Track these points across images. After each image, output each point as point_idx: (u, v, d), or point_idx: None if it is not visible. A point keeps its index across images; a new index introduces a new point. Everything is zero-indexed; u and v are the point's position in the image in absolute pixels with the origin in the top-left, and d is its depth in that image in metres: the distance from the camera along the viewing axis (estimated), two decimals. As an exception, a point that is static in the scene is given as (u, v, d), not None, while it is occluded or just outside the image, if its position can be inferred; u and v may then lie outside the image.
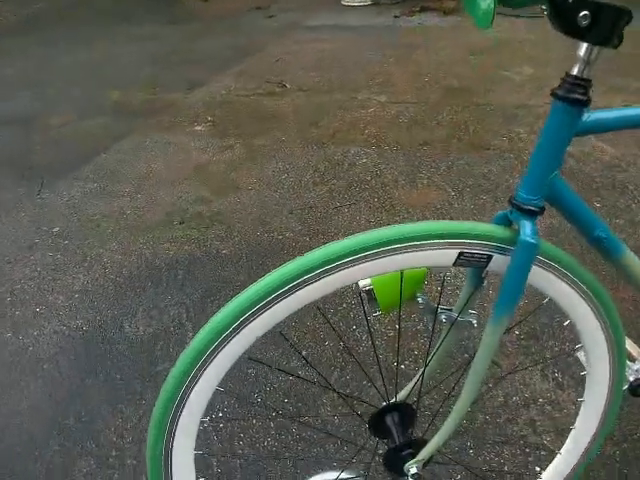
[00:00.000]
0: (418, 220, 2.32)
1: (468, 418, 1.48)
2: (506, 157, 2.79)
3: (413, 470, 0.91)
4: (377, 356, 1.03)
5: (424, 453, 0.91)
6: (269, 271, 0.76)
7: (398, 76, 4.00)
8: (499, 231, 0.80)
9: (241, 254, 2.23)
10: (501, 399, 1.55)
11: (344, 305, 1.86)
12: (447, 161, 2.79)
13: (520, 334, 1.74)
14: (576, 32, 0.69)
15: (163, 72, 4.54)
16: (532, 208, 0.78)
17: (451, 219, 2.33)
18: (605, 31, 0.69)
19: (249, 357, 1.20)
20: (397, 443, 0.92)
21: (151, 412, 0.80)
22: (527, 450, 1.41)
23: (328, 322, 1.69)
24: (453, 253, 0.79)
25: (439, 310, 0.92)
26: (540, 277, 0.84)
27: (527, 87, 3.63)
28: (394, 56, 4.42)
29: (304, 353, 1.71)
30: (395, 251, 0.77)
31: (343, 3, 6.14)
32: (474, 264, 0.81)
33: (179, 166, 3.00)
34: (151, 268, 2.18)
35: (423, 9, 5.58)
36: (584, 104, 0.74)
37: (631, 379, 1.12)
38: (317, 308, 0.87)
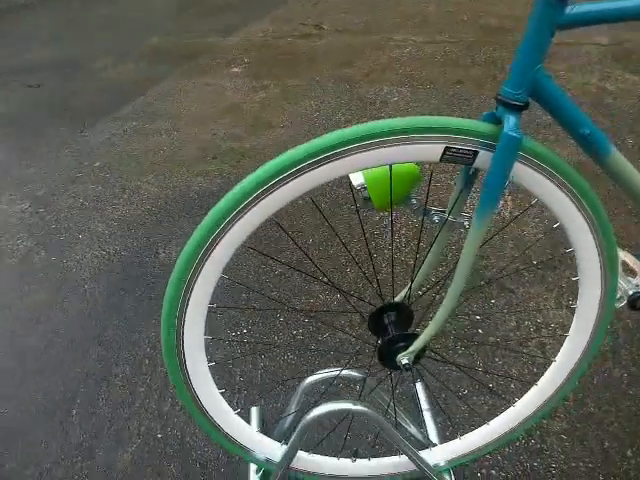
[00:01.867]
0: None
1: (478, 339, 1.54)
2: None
3: (404, 361, 0.98)
4: (371, 256, 1.09)
5: (415, 345, 0.97)
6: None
7: (436, 16, 3.93)
8: (484, 127, 0.82)
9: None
10: (513, 324, 1.59)
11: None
12: (480, 98, 2.76)
13: (538, 263, 1.77)
14: None
15: (199, 18, 4.57)
16: (516, 102, 0.80)
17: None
18: None
19: (264, 253, 1.28)
20: (390, 337, 0.98)
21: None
22: (535, 369, 1.46)
23: (325, 220, 1.75)
24: (439, 148, 0.82)
25: (432, 211, 0.96)
26: (524, 174, 0.86)
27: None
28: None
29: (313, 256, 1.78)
30: (383, 144, 0.81)
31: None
32: (460, 160, 0.84)
33: (214, 106, 3.07)
34: (185, 199, 2.28)
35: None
36: None
37: (630, 293, 1.15)
38: (312, 201, 0.92)
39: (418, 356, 1.01)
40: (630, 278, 1.21)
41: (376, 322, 1.03)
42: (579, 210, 0.92)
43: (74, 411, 1.47)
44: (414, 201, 0.96)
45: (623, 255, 1.20)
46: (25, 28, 4.73)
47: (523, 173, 0.87)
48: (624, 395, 1.37)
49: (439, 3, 4.17)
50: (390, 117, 2.63)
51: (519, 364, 1.46)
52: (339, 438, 1.32)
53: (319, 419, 1.06)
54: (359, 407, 1.06)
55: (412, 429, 1.26)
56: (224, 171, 2.45)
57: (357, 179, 0.93)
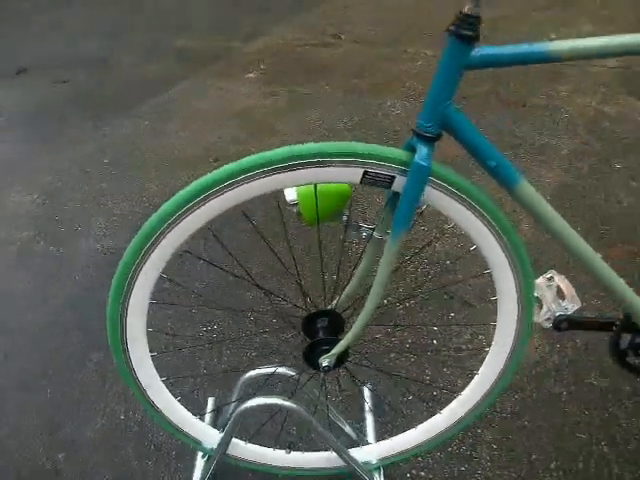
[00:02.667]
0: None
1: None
2: (539, 115, 2.79)
3: (325, 363, 1.07)
4: (296, 266, 1.17)
5: (335, 349, 1.06)
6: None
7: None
8: (400, 154, 0.90)
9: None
10: (468, 337, 1.66)
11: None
12: (479, 116, 2.82)
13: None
14: None
15: (228, 19, 4.71)
16: (427, 134, 0.88)
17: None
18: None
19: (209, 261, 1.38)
20: (314, 341, 1.07)
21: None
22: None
23: (260, 234, 1.83)
24: (359, 172, 0.91)
25: (362, 228, 1.05)
26: (437, 199, 0.94)
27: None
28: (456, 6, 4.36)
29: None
30: (306, 166, 0.91)
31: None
32: (379, 184, 0.93)
33: (225, 110, 3.19)
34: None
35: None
36: (472, 40, 0.83)
37: (557, 315, 1.21)
38: (243, 214, 1.00)
39: (340, 359, 1.09)
40: (560, 300, 1.28)
41: (307, 326, 1.12)
42: (492, 234, 0.99)
43: (48, 390, 1.60)
44: (344, 217, 1.05)
45: (558, 279, 1.27)
46: (58, 22, 4.93)
47: (436, 197, 0.95)
48: (560, 412, 1.43)
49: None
50: (390, 128, 2.67)
51: (462, 375, 1.53)
52: (286, 431, 1.41)
53: (251, 411, 1.16)
54: (287, 403, 1.15)
55: (347, 428, 1.35)
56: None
57: (290, 195, 1.02)
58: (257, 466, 1.29)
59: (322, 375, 1.10)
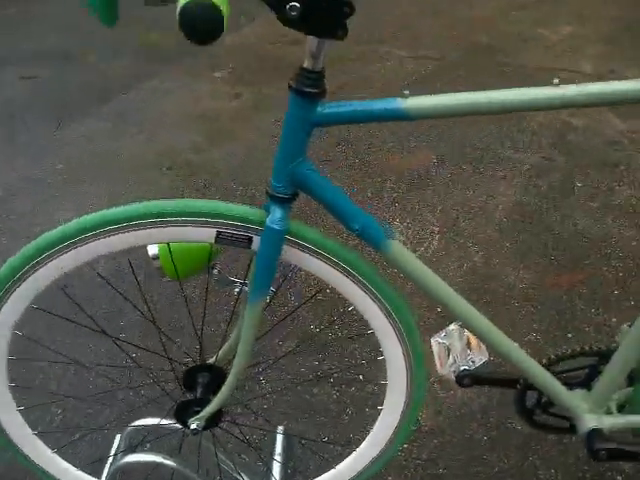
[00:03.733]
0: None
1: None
2: (504, 126, 2.70)
3: (193, 425, 1.00)
4: (154, 321, 1.10)
5: (205, 412, 0.99)
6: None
7: (428, 29, 3.88)
8: (254, 214, 0.83)
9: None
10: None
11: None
12: (443, 125, 2.73)
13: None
14: (294, 23, 0.69)
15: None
16: (279, 195, 0.81)
17: (430, 185, 2.32)
18: (322, 23, 0.70)
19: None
20: (184, 400, 1.01)
21: None
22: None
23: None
24: (212, 231, 0.84)
25: (234, 283, 0.98)
26: (300, 259, 0.87)
27: (559, 47, 3.43)
28: (434, 5, 4.25)
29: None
30: (156, 224, 0.84)
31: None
32: (237, 244, 0.86)
33: (187, 111, 3.11)
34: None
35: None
36: (317, 96, 0.75)
37: (461, 369, 1.14)
38: (96, 271, 0.93)
39: (214, 420, 1.03)
40: (469, 351, 1.21)
41: (187, 380, 1.05)
42: (364, 291, 0.92)
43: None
44: (215, 272, 0.98)
45: (468, 331, 1.20)
46: (30, 17, 4.83)
47: (301, 259, 0.88)
48: (477, 459, 1.37)
49: (438, 15, 4.11)
50: (346, 137, 2.57)
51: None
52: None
53: (130, 466, 1.10)
54: (168, 462, 1.09)
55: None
56: (174, 185, 2.48)
57: (152, 249, 0.95)
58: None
59: (197, 434, 1.03)
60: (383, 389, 1.01)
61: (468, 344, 1.19)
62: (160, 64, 3.72)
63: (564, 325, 1.70)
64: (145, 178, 2.53)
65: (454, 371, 1.15)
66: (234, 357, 0.96)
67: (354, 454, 1.10)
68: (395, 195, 2.28)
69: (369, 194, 2.29)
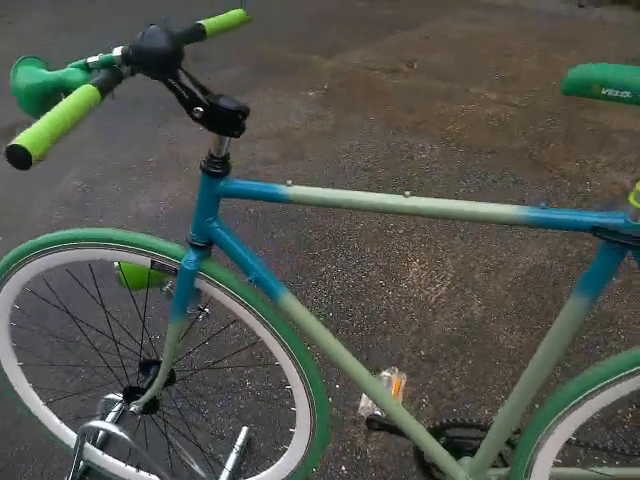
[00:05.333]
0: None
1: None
2: (560, 183, 2.71)
3: (131, 408, 1.24)
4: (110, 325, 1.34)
5: (142, 399, 1.23)
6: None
7: (527, 74, 3.88)
8: (177, 251, 1.05)
9: (256, 222, 2.56)
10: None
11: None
12: (497, 176, 2.79)
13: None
14: (199, 121, 0.89)
15: (318, 32, 4.88)
16: (194, 243, 1.02)
17: (460, 231, 2.41)
18: (221, 124, 0.90)
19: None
20: (128, 386, 1.25)
21: None
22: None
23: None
24: (147, 259, 1.07)
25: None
26: (211, 291, 1.07)
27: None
28: (541, 51, 4.23)
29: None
30: (108, 247, 1.08)
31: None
32: (167, 272, 1.08)
33: (272, 126, 3.39)
34: (181, 213, 2.63)
35: (616, 1, 5.11)
36: (219, 175, 0.95)
37: (374, 412, 1.28)
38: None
39: (152, 408, 1.26)
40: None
41: (142, 370, 1.29)
42: (263, 326, 1.09)
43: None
44: (165, 288, 1.20)
45: (396, 376, 1.33)
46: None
47: (213, 291, 1.08)
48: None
49: (542, 60, 4.09)
50: (405, 174, 2.71)
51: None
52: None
53: (91, 430, 1.37)
54: (116, 431, 1.34)
55: (195, 466, 1.50)
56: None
57: (116, 262, 1.18)
58: (108, 474, 1.49)
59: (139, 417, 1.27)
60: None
61: (396, 391, 1.32)
62: (264, 76, 4.04)
63: (538, 394, 1.74)
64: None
65: (367, 413, 1.29)
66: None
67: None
68: (425, 236, 2.40)
69: (401, 231, 2.43)
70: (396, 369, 1.36)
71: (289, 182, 0.94)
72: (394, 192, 0.90)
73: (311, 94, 3.79)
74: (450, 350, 1.88)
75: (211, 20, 1.05)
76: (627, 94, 0.71)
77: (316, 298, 2.11)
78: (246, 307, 1.07)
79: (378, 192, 0.91)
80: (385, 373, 1.35)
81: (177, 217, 2.59)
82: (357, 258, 2.30)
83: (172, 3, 5.54)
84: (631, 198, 0.79)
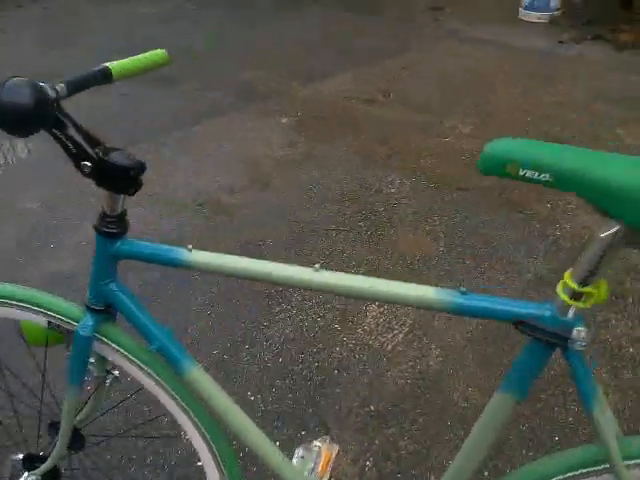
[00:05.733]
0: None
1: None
2: (530, 225, 2.64)
3: (29, 477, 1.12)
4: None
5: (41, 468, 1.11)
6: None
7: (505, 110, 3.83)
8: (75, 313, 0.95)
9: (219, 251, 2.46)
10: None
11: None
12: (466, 214, 2.71)
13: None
14: (89, 176, 0.80)
15: (301, 59, 4.83)
16: (91, 306, 0.92)
17: (424, 273, 2.32)
18: (112, 180, 0.80)
19: None
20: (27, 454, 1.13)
21: None
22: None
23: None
24: (43, 319, 0.97)
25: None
26: (112, 356, 0.97)
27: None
28: (521, 87, 4.20)
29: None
30: (3, 304, 0.97)
31: (520, 17, 5.83)
32: (65, 333, 0.97)
33: (240, 153, 3.30)
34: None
35: (596, 37, 5.11)
36: (114, 235, 0.85)
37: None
38: None
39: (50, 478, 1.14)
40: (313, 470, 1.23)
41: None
42: (160, 387, 0.98)
43: None
44: (70, 347, 1.09)
45: (326, 447, 1.24)
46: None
47: (114, 356, 0.98)
48: None
49: (522, 96, 4.06)
50: (372, 208, 2.64)
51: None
52: None
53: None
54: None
55: None
56: (196, 222, 2.66)
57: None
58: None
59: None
60: None
61: (324, 464, 1.22)
62: (240, 101, 3.98)
63: (485, 460, 1.65)
64: (176, 211, 2.74)
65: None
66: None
67: None
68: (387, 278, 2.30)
69: (362, 270, 2.33)
70: (328, 439, 1.27)
71: (189, 246, 0.85)
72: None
73: (283, 121, 3.71)
74: (401, 406, 1.78)
75: (125, 61, 0.96)
76: (546, 176, 0.63)
77: (267, 341, 2.01)
78: (146, 374, 0.97)
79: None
80: (316, 443, 1.26)
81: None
82: (313, 299, 2.19)
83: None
84: (559, 290, 0.70)
